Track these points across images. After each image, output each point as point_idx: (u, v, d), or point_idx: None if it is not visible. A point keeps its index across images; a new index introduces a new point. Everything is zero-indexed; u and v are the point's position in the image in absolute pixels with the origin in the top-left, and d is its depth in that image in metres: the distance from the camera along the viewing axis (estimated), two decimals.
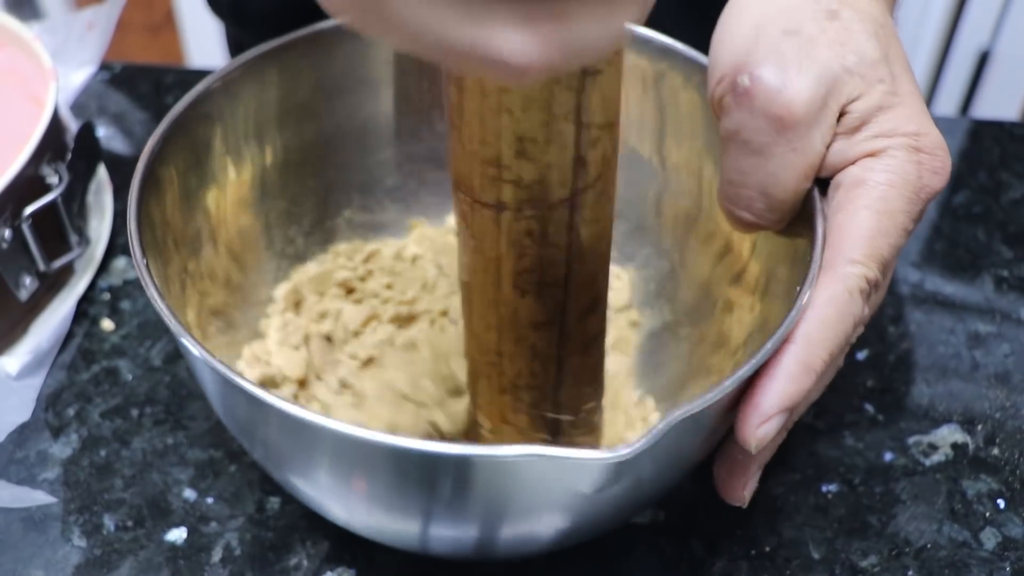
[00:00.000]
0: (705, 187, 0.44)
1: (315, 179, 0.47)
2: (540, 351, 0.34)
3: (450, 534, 0.33)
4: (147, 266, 0.33)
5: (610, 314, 0.47)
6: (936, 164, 0.33)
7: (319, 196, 0.48)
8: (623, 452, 0.27)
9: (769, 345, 0.31)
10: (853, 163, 0.34)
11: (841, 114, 0.33)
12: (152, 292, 0.32)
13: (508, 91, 0.27)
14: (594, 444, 0.39)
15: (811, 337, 0.31)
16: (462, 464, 0.29)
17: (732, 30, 0.34)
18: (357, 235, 0.49)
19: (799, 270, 0.34)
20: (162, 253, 0.38)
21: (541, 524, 0.32)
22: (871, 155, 0.33)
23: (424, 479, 0.30)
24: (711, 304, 0.44)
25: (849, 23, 0.34)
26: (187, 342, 0.31)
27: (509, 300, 0.33)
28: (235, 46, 0.69)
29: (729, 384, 0.29)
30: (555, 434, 0.37)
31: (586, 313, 0.34)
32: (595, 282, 0.34)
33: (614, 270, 0.48)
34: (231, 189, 0.43)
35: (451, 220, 0.51)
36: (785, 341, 0.31)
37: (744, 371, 0.30)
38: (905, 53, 0.35)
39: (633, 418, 0.44)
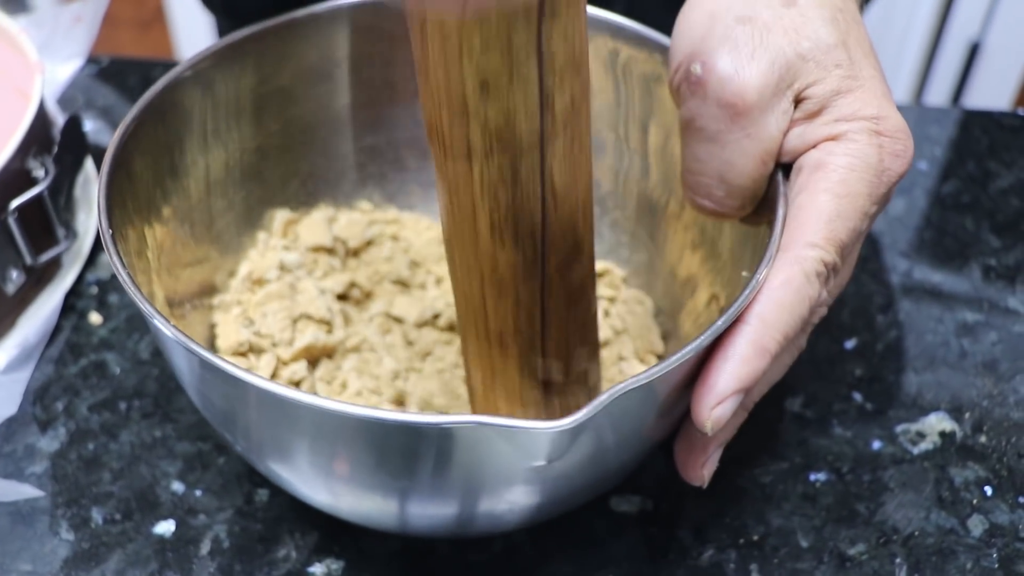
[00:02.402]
0: (671, 170, 0.44)
1: (293, 165, 0.47)
2: (523, 302, 0.34)
3: (421, 510, 0.33)
4: (117, 249, 0.33)
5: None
6: (897, 147, 0.33)
7: (296, 182, 0.48)
8: (564, 422, 0.27)
9: (720, 323, 0.30)
10: (814, 147, 0.34)
11: (799, 100, 0.33)
12: (122, 274, 0.32)
13: (468, 33, 0.28)
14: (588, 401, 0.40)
15: (765, 319, 0.31)
16: (412, 432, 0.29)
17: (689, 18, 0.35)
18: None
19: (762, 255, 0.34)
20: (133, 235, 0.38)
21: (506, 495, 0.32)
22: (831, 139, 0.33)
23: (380, 449, 0.30)
24: (687, 291, 0.44)
25: (805, 9, 0.34)
26: (159, 323, 0.31)
27: (488, 250, 0.33)
28: None
29: (676, 359, 0.29)
30: (548, 392, 0.37)
31: (568, 263, 0.34)
32: (575, 231, 0.33)
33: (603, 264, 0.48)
34: (205, 173, 0.43)
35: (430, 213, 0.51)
36: (739, 322, 0.31)
37: (691, 347, 0.30)
38: (869, 38, 0.35)
39: None
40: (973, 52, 1.24)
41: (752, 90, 0.32)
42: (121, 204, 0.36)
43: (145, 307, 0.31)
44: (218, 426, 0.36)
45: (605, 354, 0.44)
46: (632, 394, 0.29)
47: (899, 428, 0.45)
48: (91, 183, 0.55)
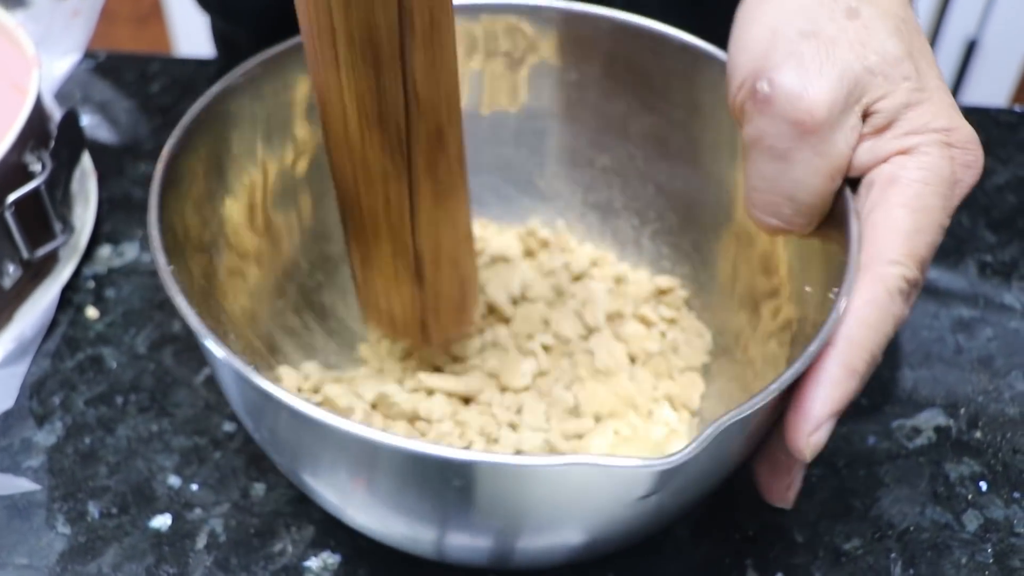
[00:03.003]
0: (737, 190, 0.44)
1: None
2: (392, 198, 0.37)
3: (481, 544, 0.33)
4: (172, 272, 0.33)
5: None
6: (968, 158, 0.33)
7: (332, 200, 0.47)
8: (672, 459, 0.27)
9: (812, 348, 0.30)
10: (885, 161, 0.33)
11: (868, 114, 0.33)
12: (178, 299, 0.32)
13: None
14: (461, 292, 0.42)
15: (853, 339, 0.31)
16: (505, 472, 0.28)
17: (749, 33, 0.34)
18: None
19: (832, 271, 0.34)
20: (182, 256, 0.37)
21: (574, 534, 0.32)
22: (903, 152, 0.33)
23: (455, 487, 0.29)
24: (738, 305, 0.44)
25: (869, 21, 0.33)
26: (215, 347, 0.30)
27: (359, 151, 0.36)
28: (221, 40, 0.69)
29: (774, 388, 0.29)
30: (420, 279, 0.40)
31: (434, 163, 0.37)
32: (440, 135, 0.36)
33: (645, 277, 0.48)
34: (250, 189, 0.43)
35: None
36: (827, 344, 0.31)
37: (789, 375, 0.30)
38: (929, 47, 0.35)
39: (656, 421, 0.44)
40: (970, 49, 1.24)
41: (821, 107, 0.32)
42: (171, 230, 0.36)
43: (202, 331, 0.31)
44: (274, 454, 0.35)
45: (649, 372, 0.44)
46: (735, 426, 0.28)
47: (895, 423, 0.45)
48: (88, 178, 0.55)
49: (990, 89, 1.27)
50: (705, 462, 0.29)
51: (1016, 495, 0.42)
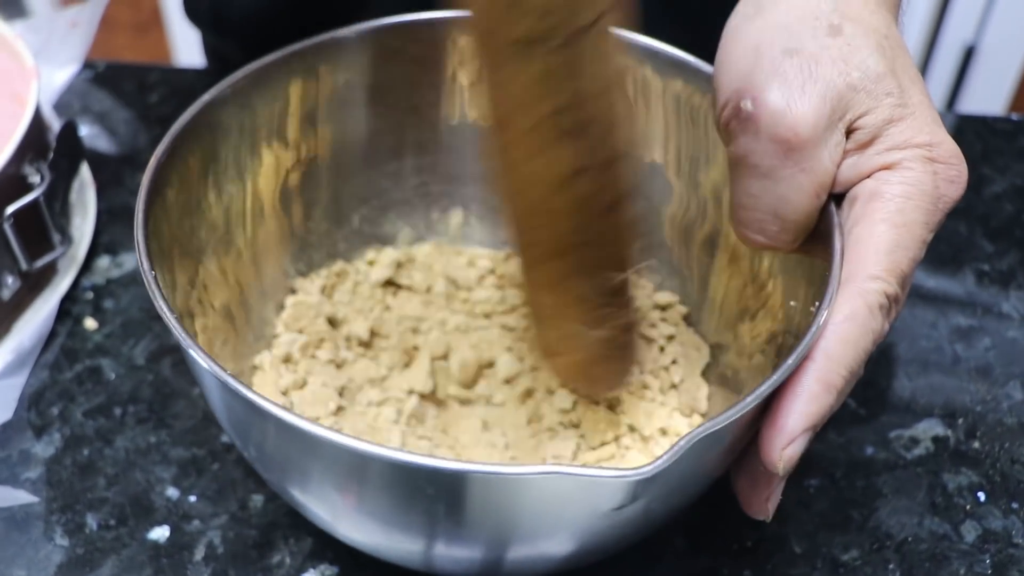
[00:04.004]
0: (707, 195, 0.44)
1: (329, 189, 0.47)
2: (583, 203, 0.33)
3: (465, 555, 0.33)
4: (155, 278, 0.33)
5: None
6: (952, 173, 0.33)
7: (333, 206, 0.48)
8: (644, 470, 0.27)
9: (790, 361, 0.30)
10: (868, 176, 0.33)
11: (851, 130, 0.33)
12: (160, 304, 0.32)
13: None
14: (636, 308, 0.40)
15: (831, 355, 0.31)
16: (484, 482, 0.28)
17: (733, 52, 0.34)
18: (368, 244, 0.50)
19: (816, 286, 0.34)
20: (168, 263, 0.37)
21: (556, 544, 0.32)
22: (886, 168, 0.33)
23: (437, 496, 0.30)
24: (730, 320, 0.44)
25: (852, 38, 0.33)
26: (195, 354, 0.31)
27: (543, 148, 0.32)
28: (212, 54, 0.69)
29: (749, 401, 0.29)
30: (613, 294, 0.36)
31: (612, 162, 0.33)
32: (616, 129, 0.33)
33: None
34: (241, 198, 0.43)
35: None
36: (805, 359, 0.31)
37: (765, 388, 0.30)
38: (913, 63, 0.35)
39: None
40: (968, 56, 1.25)
41: (805, 124, 0.32)
42: (157, 236, 0.36)
43: (183, 338, 0.31)
44: (254, 461, 0.35)
45: (655, 389, 0.45)
46: (709, 439, 0.29)
47: (892, 433, 0.45)
48: (87, 189, 0.55)
49: (988, 96, 1.27)
50: (681, 473, 0.29)
51: (1014, 505, 0.42)
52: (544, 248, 0.35)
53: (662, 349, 0.46)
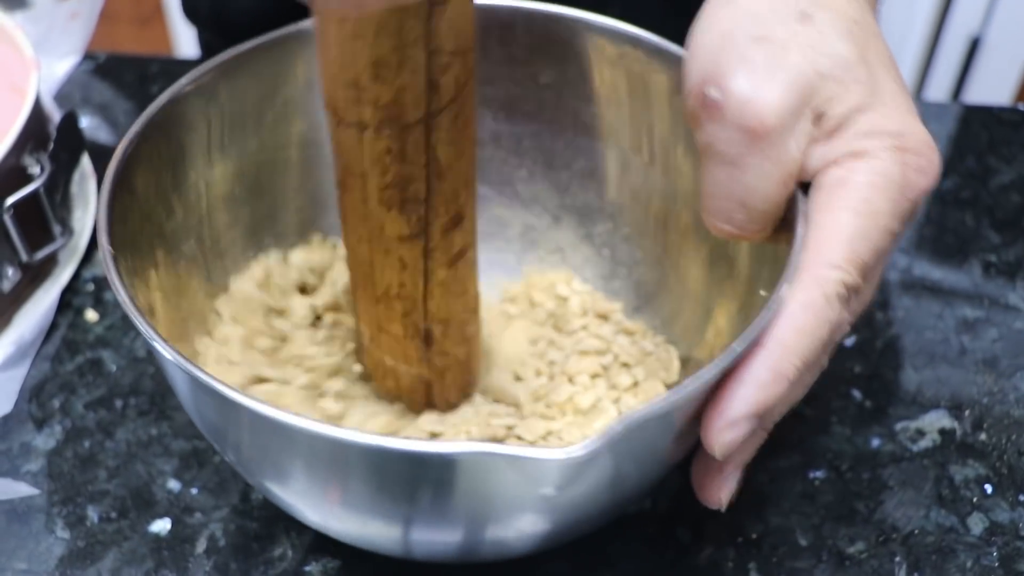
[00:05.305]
0: (686, 184, 0.43)
1: (296, 180, 0.47)
2: (408, 263, 0.37)
3: (425, 537, 0.33)
4: (116, 264, 0.33)
5: (598, 322, 0.46)
6: (922, 162, 0.32)
7: (300, 198, 0.47)
8: (576, 452, 0.27)
9: (736, 346, 0.30)
10: (834, 164, 0.33)
11: (818, 118, 0.32)
12: (119, 290, 0.32)
13: (363, 21, 0.30)
14: (466, 354, 0.42)
15: (784, 343, 0.30)
16: (415, 460, 0.28)
17: (701, 39, 0.33)
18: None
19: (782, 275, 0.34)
20: (137, 252, 0.37)
21: (515, 524, 0.32)
22: (853, 156, 0.32)
23: (384, 478, 0.30)
24: (702, 310, 0.43)
25: (821, 25, 0.32)
26: (158, 345, 0.31)
27: (375, 214, 0.35)
28: (207, 50, 0.69)
29: (691, 384, 0.29)
30: (428, 343, 0.39)
31: (450, 228, 0.36)
32: (457, 199, 0.36)
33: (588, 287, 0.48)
34: (209, 187, 0.43)
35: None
36: (757, 345, 0.30)
37: (707, 371, 0.29)
38: (889, 50, 0.34)
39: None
40: (973, 47, 1.24)
41: (771, 112, 0.31)
42: (123, 220, 0.36)
43: (146, 330, 0.31)
44: (211, 438, 0.35)
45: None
46: (648, 422, 0.28)
47: (899, 426, 0.44)
48: (87, 180, 0.54)
49: (994, 87, 1.26)
50: (625, 456, 0.29)
51: (1022, 498, 0.42)
52: (367, 292, 0.38)
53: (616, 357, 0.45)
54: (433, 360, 0.40)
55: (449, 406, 0.42)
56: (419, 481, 0.29)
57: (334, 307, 0.46)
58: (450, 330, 0.40)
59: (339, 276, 0.47)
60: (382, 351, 0.40)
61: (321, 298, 0.46)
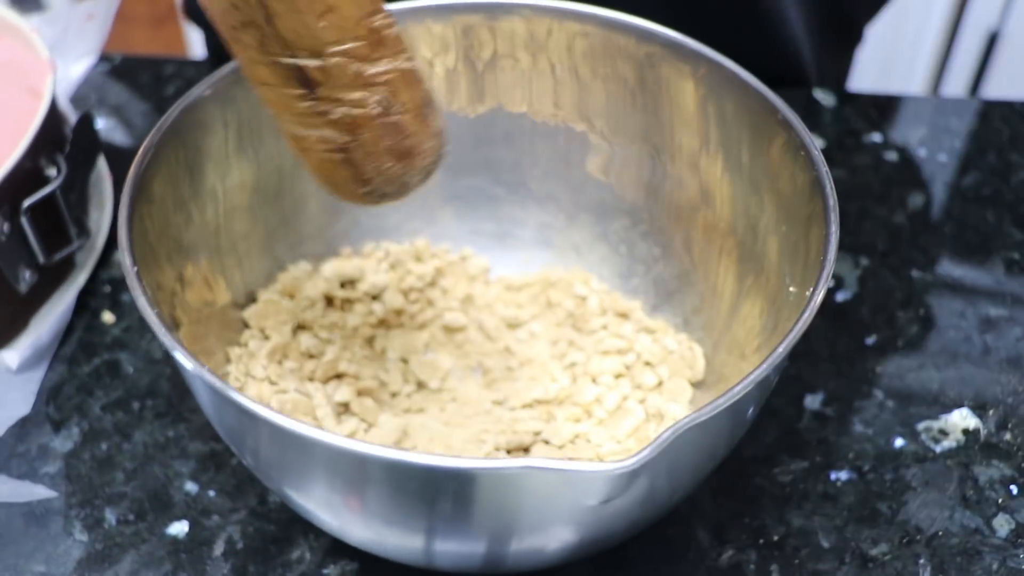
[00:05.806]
0: (710, 181, 0.43)
1: (313, 184, 0.47)
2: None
3: (454, 549, 0.33)
4: (140, 282, 0.33)
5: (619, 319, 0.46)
6: None
7: (316, 203, 0.47)
8: (627, 463, 0.27)
9: (781, 349, 0.30)
10: None
11: None
12: (143, 303, 0.32)
13: None
14: (380, 104, 0.33)
15: None
16: (463, 478, 0.28)
17: None
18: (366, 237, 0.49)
19: (811, 271, 0.34)
20: (156, 261, 0.37)
21: (550, 537, 0.32)
22: None
23: (425, 493, 0.29)
24: (726, 306, 0.43)
25: None
26: (180, 356, 0.30)
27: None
28: (214, 51, 0.69)
29: (739, 390, 0.29)
30: (308, 86, 0.32)
31: None
32: None
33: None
34: (227, 194, 0.43)
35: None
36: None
37: (753, 377, 0.29)
38: None
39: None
40: (992, 41, 1.23)
41: None
42: (142, 231, 0.36)
43: (166, 338, 0.31)
44: (240, 452, 0.35)
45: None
46: (693, 430, 0.28)
47: (921, 425, 0.44)
48: (103, 181, 0.54)
49: (1012, 82, 1.25)
50: (670, 464, 0.29)
51: None
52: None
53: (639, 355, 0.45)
54: (330, 114, 0.32)
55: (392, 182, 0.35)
56: (466, 497, 0.29)
57: (367, 322, 0.46)
58: (330, 66, 0.31)
59: (370, 287, 0.46)
60: (280, 120, 0.34)
61: (354, 315, 0.46)
